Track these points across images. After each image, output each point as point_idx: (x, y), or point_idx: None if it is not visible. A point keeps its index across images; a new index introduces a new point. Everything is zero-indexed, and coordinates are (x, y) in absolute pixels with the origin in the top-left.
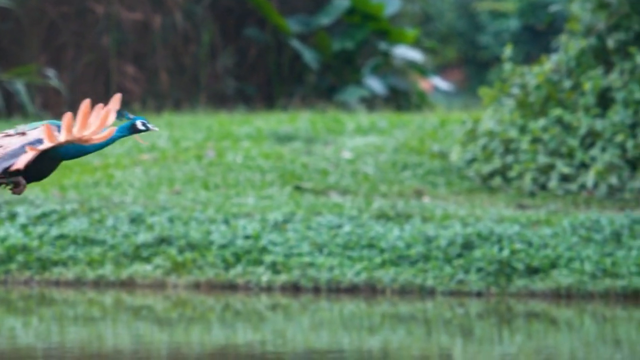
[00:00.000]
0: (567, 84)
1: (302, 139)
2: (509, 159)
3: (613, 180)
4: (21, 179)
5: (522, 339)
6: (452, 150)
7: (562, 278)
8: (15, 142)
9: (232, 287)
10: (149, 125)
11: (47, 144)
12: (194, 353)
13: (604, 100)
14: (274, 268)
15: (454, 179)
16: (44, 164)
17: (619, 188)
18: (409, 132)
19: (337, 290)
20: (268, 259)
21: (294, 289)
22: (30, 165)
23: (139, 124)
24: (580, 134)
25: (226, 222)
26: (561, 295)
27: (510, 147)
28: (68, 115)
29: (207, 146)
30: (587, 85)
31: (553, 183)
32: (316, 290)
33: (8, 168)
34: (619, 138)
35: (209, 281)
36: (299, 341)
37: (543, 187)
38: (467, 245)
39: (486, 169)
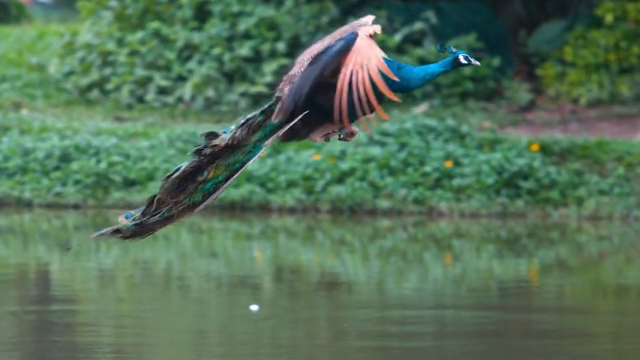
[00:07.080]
0: None
1: None
2: (107, 71)
3: (210, 92)
4: (354, 129)
5: (118, 254)
6: (51, 63)
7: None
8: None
9: None
10: (471, 60)
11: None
12: None
13: (201, 14)
14: None
15: (52, 92)
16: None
17: (216, 101)
18: (7, 45)
19: None
20: None
21: None
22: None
23: (461, 58)
24: (177, 47)
25: None
26: None
27: (108, 59)
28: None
29: None
30: None
31: (150, 96)
32: None
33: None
34: (216, 51)
35: None
36: None
37: (140, 99)
38: (65, 158)
39: (84, 81)
